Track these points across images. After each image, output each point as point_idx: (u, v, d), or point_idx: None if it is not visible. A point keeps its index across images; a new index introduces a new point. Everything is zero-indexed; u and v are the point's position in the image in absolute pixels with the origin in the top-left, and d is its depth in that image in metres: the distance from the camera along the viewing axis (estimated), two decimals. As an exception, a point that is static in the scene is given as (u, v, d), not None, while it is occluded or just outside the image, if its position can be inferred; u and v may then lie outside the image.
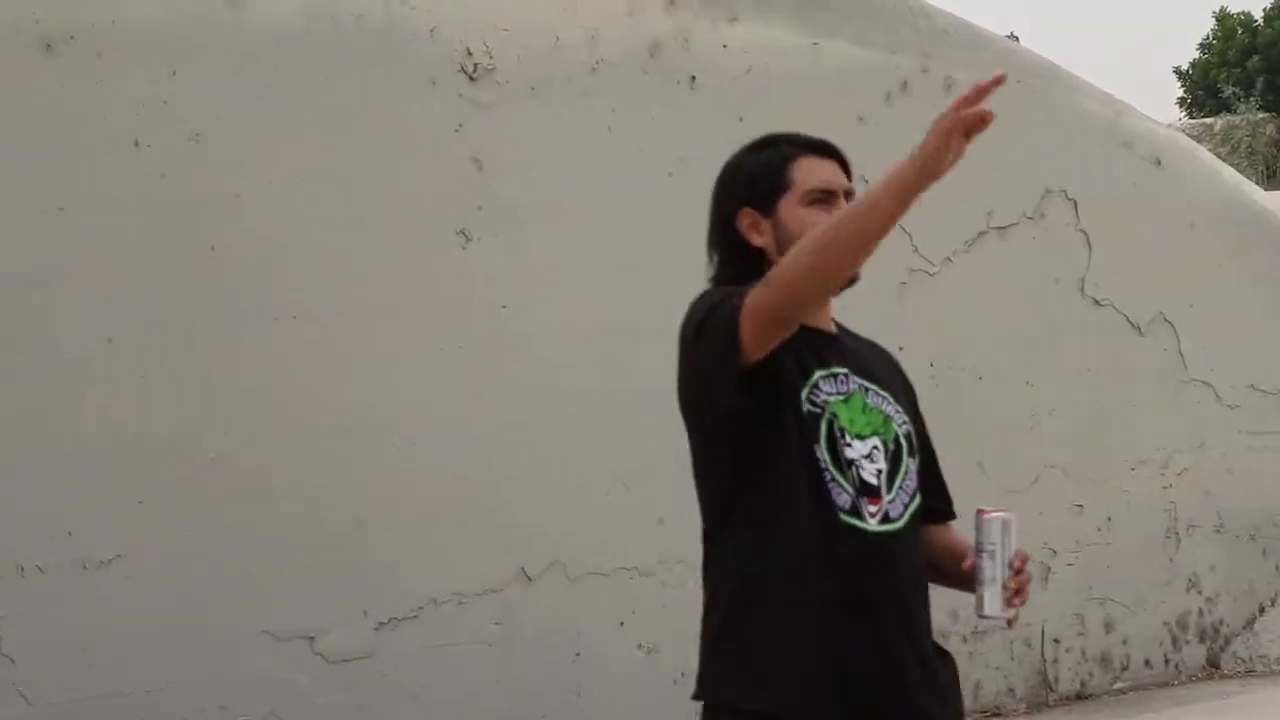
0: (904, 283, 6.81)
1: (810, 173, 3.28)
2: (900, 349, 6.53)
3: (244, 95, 5.52)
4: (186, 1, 5.43)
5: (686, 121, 6.34)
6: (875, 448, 3.22)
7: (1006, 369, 7.12)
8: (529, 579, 5.93)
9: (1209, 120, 41.81)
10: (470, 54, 5.92)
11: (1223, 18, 45.99)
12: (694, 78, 6.38)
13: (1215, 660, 7.83)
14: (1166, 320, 7.72)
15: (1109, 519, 7.43)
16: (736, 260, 3.32)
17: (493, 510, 5.88)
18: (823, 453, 3.14)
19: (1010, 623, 3.22)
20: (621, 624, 6.13)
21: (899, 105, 6.76)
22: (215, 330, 5.44)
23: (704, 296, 3.31)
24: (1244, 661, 7.79)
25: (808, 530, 3.12)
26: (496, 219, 5.94)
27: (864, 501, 3.15)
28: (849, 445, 3.17)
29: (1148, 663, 7.63)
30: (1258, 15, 45.56)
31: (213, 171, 5.44)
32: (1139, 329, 7.66)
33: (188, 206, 5.41)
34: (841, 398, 3.21)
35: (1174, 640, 7.70)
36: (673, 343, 6.07)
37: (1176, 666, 7.72)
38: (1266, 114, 40.78)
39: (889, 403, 3.28)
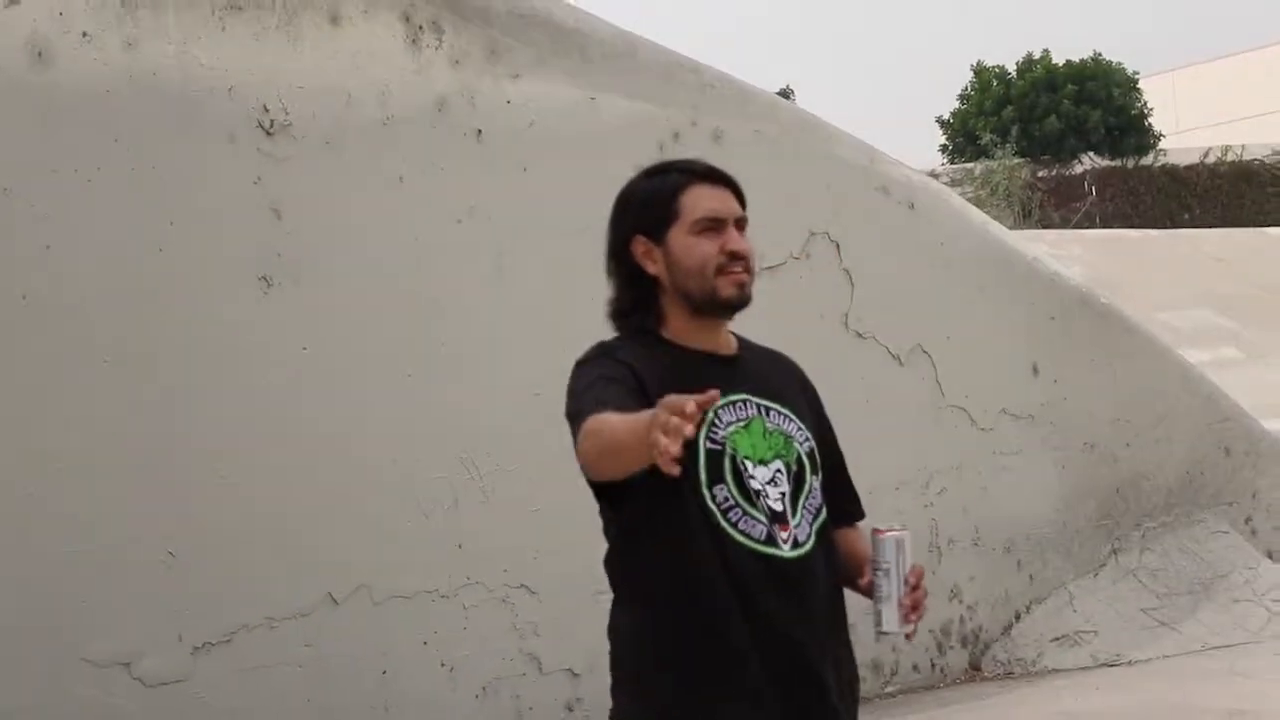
0: (680, 320, 6.95)
1: (699, 201, 3.22)
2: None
3: (51, 151, 5.62)
4: (-6, 64, 5.50)
5: (474, 172, 6.47)
6: (778, 471, 3.16)
7: None
8: (336, 602, 6.02)
9: (969, 165, 42.74)
10: (267, 110, 6.01)
11: (979, 71, 47.08)
12: (480, 131, 6.50)
13: (976, 664, 8.00)
14: (924, 351, 7.88)
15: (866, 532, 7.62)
16: (633, 288, 3.27)
17: (299, 538, 5.97)
18: (730, 490, 3.09)
19: (909, 636, 3.20)
20: (425, 643, 6.21)
21: (671, 154, 6.84)
22: (30, 374, 5.55)
23: (576, 378, 3.20)
24: (1002, 664, 7.97)
25: (713, 571, 3.05)
26: (296, 265, 6.04)
27: (776, 529, 3.10)
28: (752, 476, 3.11)
29: (915, 667, 7.80)
30: (1011, 69, 46.73)
31: (22, 224, 5.55)
32: (899, 360, 7.82)
33: (2, 257, 5.54)
34: (742, 424, 3.16)
35: (939, 646, 7.89)
36: (466, 376, 6.33)
37: (942, 670, 7.88)
38: (1020, 159, 41.84)
39: (789, 420, 3.24)
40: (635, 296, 3.28)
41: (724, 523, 3.08)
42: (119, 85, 5.75)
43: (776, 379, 3.36)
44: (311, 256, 6.11)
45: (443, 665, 6.28)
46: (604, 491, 3.13)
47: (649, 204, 3.26)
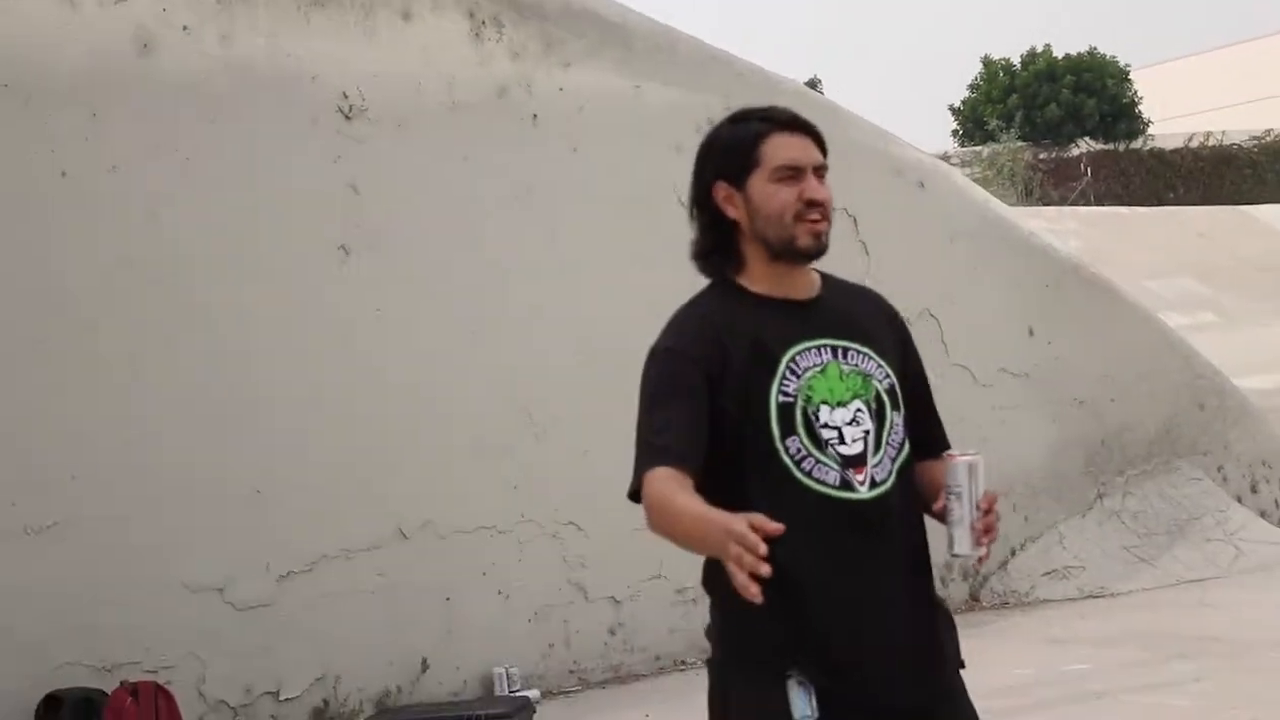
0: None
1: (779, 150, 2.98)
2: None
3: (155, 133, 5.68)
4: (104, 54, 5.58)
5: (530, 153, 6.51)
6: (859, 410, 2.95)
7: None
8: (405, 536, 6.08)
9: (978, 148, 42.60)
10: (346, 96, 6.06)
11: (988, 62, 46.89)
12: (535, 116, 6.52)
13: (976, 595, 8.01)
14: (931, 315, 7.84)
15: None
16: (714, 231, 3.05)
17: (372, 479, 6.03)
18: (802, 440, 2.88)
19: (981, 560, 2.96)
20: (484, 574, 6.28)
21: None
22: (132, 333, 5.61)
23: (651, 370, 3.03)
24: (999, 595, 7.97)
25: (792, 518, 2.74)
26: (371, 236, 6.10)
27: (851, 473, 2.90)
28: (826, 424, 2.91)
29: (923, 599, 7.80)
30: (1016, 61, 46.52)
31: (129, 197, 5.62)
32: (909, 322, 7.82)
33: (112, 227, 5.60)
34: (818, 369, 2.95)
35: (941, 580, 7.88)
36: (523, 334, 6.34)
37: (944, 601, 7.91)
38: (1023, 143, 41.70)
39: (869, 358, 3.01)
40: (716, 240, 3.05)
41: (798, 473, 2.88)
42: (215, 73, 5.82)
43: (860, 317, 3.10)
44: (385, 228, 6.15)
45: (499, 593, 6.34)
46: None
47: (731, 151, 3.02)
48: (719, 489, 2.84)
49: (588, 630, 6.54)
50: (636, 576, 6.64)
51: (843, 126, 7.67)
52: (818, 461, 2.88)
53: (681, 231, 7.31)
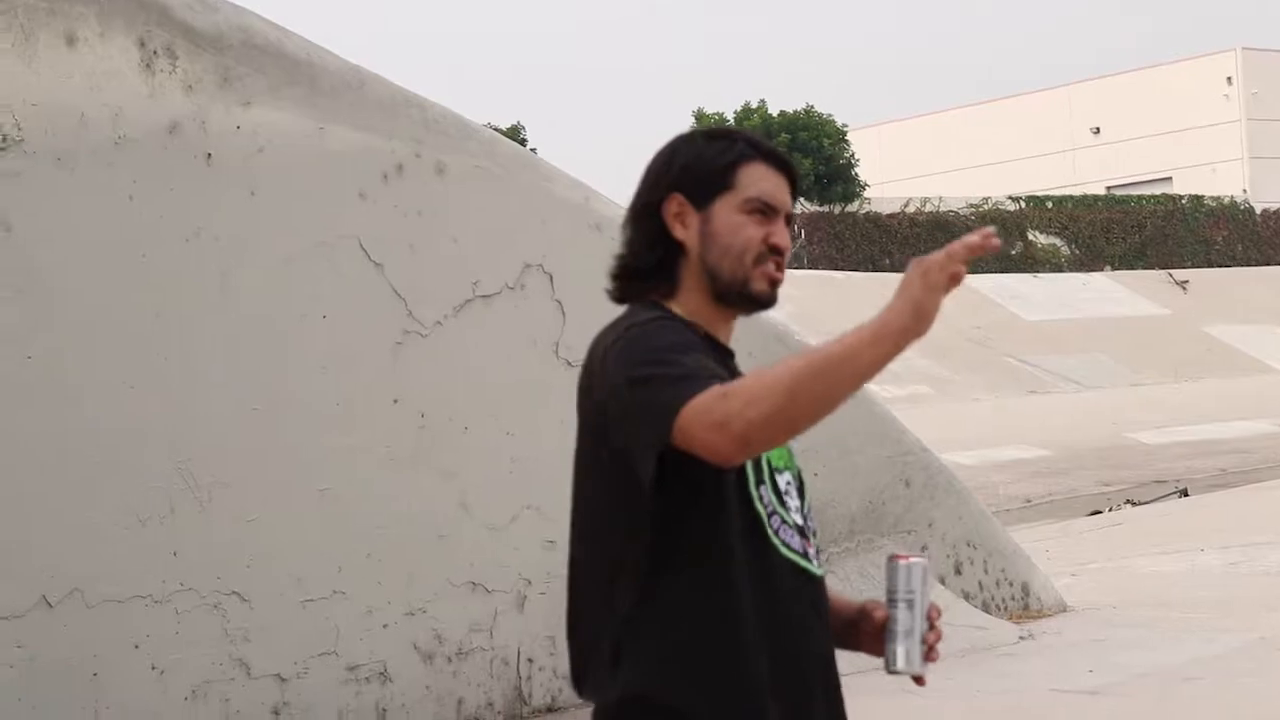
0: (399, 342, 6.98)
1: (758, 180, 2.83)
2: (395, 401, 6.94)
3: None
4: None
5: (203, 194, 6.44)
6: (789, 483, 2.83)
7: (489, 420, 7.30)
8: (49, 605, 5.94)
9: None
10: (0, 127, 5.98)
11: (700, 117, 47.85)
12: (210, 155, 6.47)
13: None
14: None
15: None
16: (654, 249, 2.85)
17: (15, 541, 5.90)
18: (770, 493, 2.76)
19: (921, 680, 2.80)
20: (136, 647, 6.17)
21: (395, 184, 6.96)
22: None
23: (660, 330, 2.75)
24: None
25: (757, 578, 2.70)
26: (24, 278, 5.97)
27: (805, 544, 2.79)
28: (780, 487, 2.78)
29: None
30: (730, 117, 47.57)
31: None
32: None
33: None
34: None
35: None
36: (188, 390, 6.29)
37: None
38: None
39: None
40: (656, 259, 2.84)
41: (768, 529, 2.74)
42: None
43: None
44: (39, 269, 6.04)
45: (153, 668, 6.24)
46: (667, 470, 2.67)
47: (701, 166, 2.84)
48: (683, 532, 2.69)
49: (249, 710, 6.48)
50: (305, 652, 6.62)
51: (542, 178, 7.78)
52: (783, 521, 2.76)
53: (364, 282, 7.33)
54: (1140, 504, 19.22)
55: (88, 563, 6.08)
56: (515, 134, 42.42)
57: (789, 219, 2.87)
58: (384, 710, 6.83)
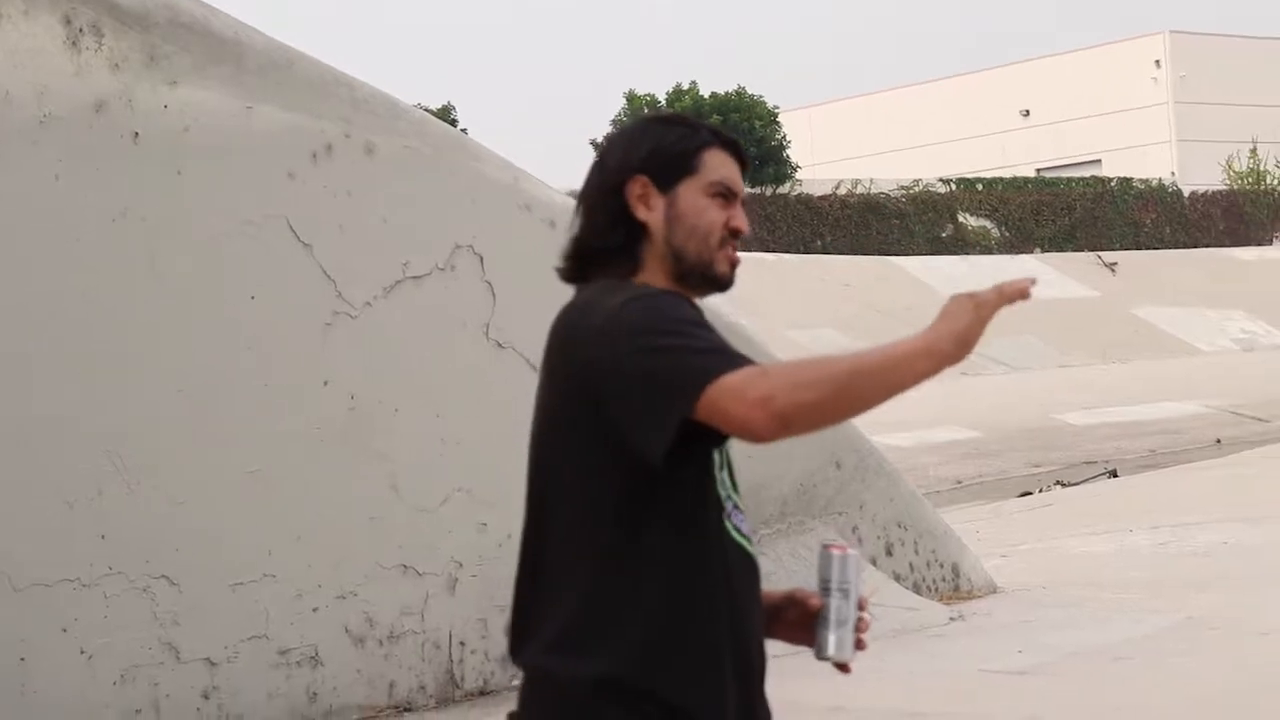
0: (329, 324, 6.96)
1: (720, 166, 2.91)
2: (325, 383, 6.92)
3: None
4: None
5: (130, 173, 6.42)
6: (727, 463, 2.89)
7: (419, 402, 7.28)
8: (-25, 590, 5.91)
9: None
10: (-77, 104, 5.95)
11: (632, 98, 47.79)
12: (136, 134, 6.44)
13: None
14: None
15: (509, 536, 7.75)
16: (616, 229, 2.90)
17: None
18: (726, 478, 2.84)
19: (847, 668, 2.89)
20: (64, 630, 6.15)
21: (324, 164, 6.95)
22: None
23: (670, 305, 2.79)
24: None
25: (718, 563, 2.78)
26: (-53, 258, 5.94)
27: (749, 529, 2.89)
28: (731, 468, 2.87)
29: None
30: (662, 97, 47.56)
31: None
32: (537, 369, 7.89)
33: None
34: None
35: None
36: (115, 372, 6.25)
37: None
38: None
39: None
40: (618, 240, 2.89)
41: (726, 508, 2.83)
42: None
43: None
44: (-37, 249, 5.99)
45: (82, 653, 6.22)
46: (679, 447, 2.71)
47: (666, 148, 2.91)
48: (662, 512, 2.74)
49: (179, 695, 6.46)
50: (235, 636, 6.60)
51: (471, 159, 7.76)
52: (735, 505, 2.83)
53: (293, 262, 7.31)
54: (1070, 485, 19.36)
55: (15, 546, 6.05)
56: (445, 114, 42.28)
57: (743, 203, 2.97)
58: (315, 694, 6.82)
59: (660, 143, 2.92)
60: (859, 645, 2.86)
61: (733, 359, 2.65)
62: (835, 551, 2.83)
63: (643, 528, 2.77)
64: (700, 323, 2.76)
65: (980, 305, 2.68)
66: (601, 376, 2.76)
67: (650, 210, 2.89)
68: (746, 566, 2.84)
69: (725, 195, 2.91)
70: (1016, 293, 2.69)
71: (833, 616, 2.81)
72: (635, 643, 2.76)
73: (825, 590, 2.82)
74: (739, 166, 2.97)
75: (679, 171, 2.90)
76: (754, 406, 2.60)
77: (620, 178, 2.90)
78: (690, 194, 2.89)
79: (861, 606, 2.85)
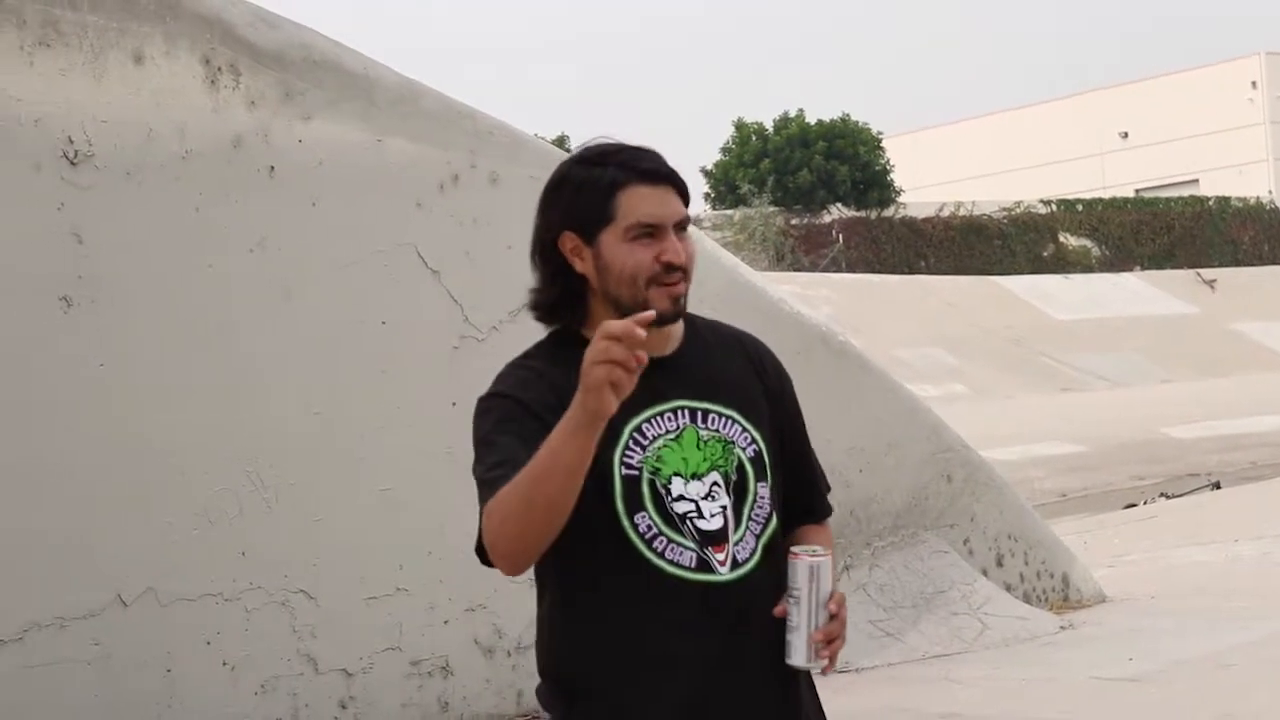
0: (456, 347, 6.98)
1: (636, 204, 2.78)
2: (454, 404, 6.94)
3: None
4: None
5: (266, 206, 6.47)
6: (715, 484, 2.78)
7: None
8: (124, 604, 5.97)
9: (730, 212, 43.35)
10: (72, 141, 5.97)
11: (740, 125, 47.76)
12: (273, 168, 6.49)
13: None
14: None
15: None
16: (558, 284, 2.85)
17: (92, 542, 5.93)
18: (651, 517, 2.72)
19: (823, 671, 2.77)
20: (208, 643, 6.19)
21: (450, 194, 6.98)
22: None
23: (482, 416, 2.79)
24: None
25: (639, 605, 2.72)
26: (95, 287, 6.00)
27: (710, 551, 2.74)
28: (681, 497, 2.74)
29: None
30: (769, 125, 47.49)
31: None
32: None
33: None
34: (671, 437, 2.77)
35: None
36: (254, 395, 6.30)
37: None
38: (775, 208, 42.55)
39: (732, 423, 2.83)
40: (561, 294, 2.85)
41: (649, 553, 2.72)
42: (-71, 113, 5.68)
43: (726, 373, 2.91)
44: (110, 279, 6.07)
45: (224, 664, 6.26)
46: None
47: (581, 200, 2.82)
48: (566, 569, 2.74)
49: (317, 704, 6.49)
50: (369, 648, 6.62)
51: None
52: (670, 541, 2.72)
53: (420, 291, 7.38)
54: (1174, 497, 19.09)
55: (160, 563, 6.10)
56: (561, 144, 42.49)
57: (682, 225, 2.83)
58: (446, 703, 6.83)
59: (576, 194, 2.84)
60: (818, 653, 2.74)
61: (490, 490, 2.64)
62: (790, 558, 2.75)
63: (551, 574, 2.81)
64: (502, 423, 2.74)
65: (584, 373, 2.51)
66: None
67: (584, 263, 2.82)
68: (701, 600, 2.74)
69: (649, 233, 2.79)
70: (624, 331, 2.50)
71: (790, 622, 2.74)
72: (544, 651, 2.85)
73: (786, 596, 2.76)
74: (669, 188, 2.83)
75: (597, 222, 2.80)
76: (490, 554, 2.65)
77: (551, 235, 2.85)
78: (610, 243, 2.79)
79: (831, 609, 2.73)
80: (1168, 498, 19.09)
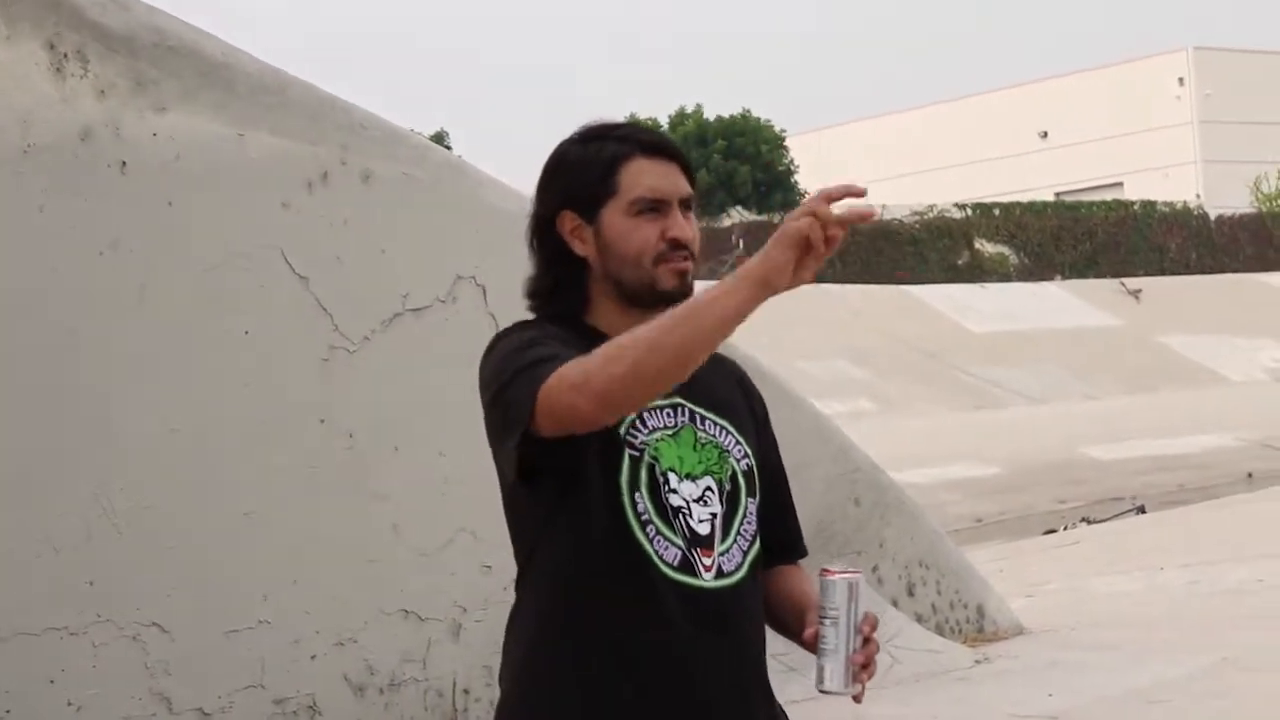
0: (325, 359, 6.93)
1: (640, 177, 2.84)
2: (322, 421, 6.91)
3: None
4: None
5: (118, 204, 6.40)
6: (709, 489, 2.83)
7: (420, 441, 7.23)
8: (-41, 640, 5.89)
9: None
10: (-98, 133, 5.96)
11: (634, 122, 47.90)
12: (124, 163, 6.42)
13: None
14: None
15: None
16: (556, 268, 2.94)
17: (-77, 574, 5.84)
18: (644, 501, 2.77)
19: (857, 698, 2.82)
20: (51, 682, 6.12)
21: (319, 193, 6.93)
22: None
23: (507, 342, 2.89)
24: None
25: (621, 592, 2.75)
26: (-72, 293, 5.95)
27: (697, 553, 2.78)
28: (674, 491, 2.79)
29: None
30: (664, 121, 47.62)
31: None
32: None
33: None
34: (669, 432, 2.82)
35: None
36: (104, 410, 6.25)
37: None
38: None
39: (727, 432, 2.91)
40: (558, 278, 2.93)
41: (641, 537, 2.77)
42: None
43: (719, 385, 2.97)
44: (-56, 284, 5.99)
45: (69, 704, 6.18)
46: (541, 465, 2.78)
47: (582, 175, 2.87)
48: (557, 542, 2.80)
49: (172, 748, 6.44)
50: (229, 686, 6.58)
51: (473, 186, 7.76)
52: (658, 532, 2.76)
53: (289, 295, 7.34)
54: (1096, 522, 19.34)
55: (0, 594, 6.02)
56: (440, 140, 42.39)
57: (688, 203, 2.89)
58: (313, 746, 6.80)
59: (576, 170, 2.90)
60: (859, 677, 2.79)
61: (555, 363, 2.69)
62: (826, 577, 2.79)
63: (530, 561, 2.91)
64: (531, 343, 2.81)
65: (783, 227, 2.61)
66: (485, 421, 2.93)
67: (585, 244, 2.89)
68: (678, 602, 2.78)
69: (654, 208, 2.85)
70: (841, 192, 2.62)
71: (826, 646, 2.78)
72: (516, 659, 2.91)
73: (820, 618, 2.80)
74: (674, 165, 2.89)
75: (598, 197, 2.86)
76: (573, 391, 2.62)
77: (549, 215, 2.92)
78: (613, 219, 2.86)
79: (864, 631, 2.79)
80: (1089, 523, 19.34)
